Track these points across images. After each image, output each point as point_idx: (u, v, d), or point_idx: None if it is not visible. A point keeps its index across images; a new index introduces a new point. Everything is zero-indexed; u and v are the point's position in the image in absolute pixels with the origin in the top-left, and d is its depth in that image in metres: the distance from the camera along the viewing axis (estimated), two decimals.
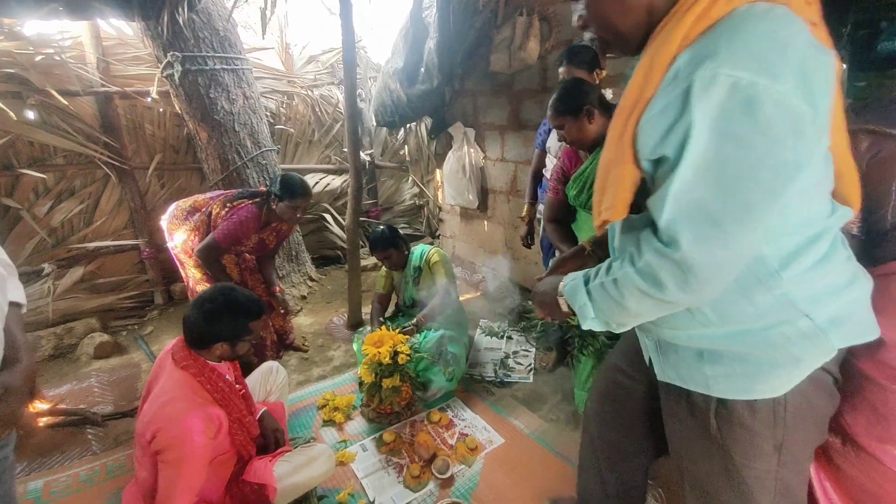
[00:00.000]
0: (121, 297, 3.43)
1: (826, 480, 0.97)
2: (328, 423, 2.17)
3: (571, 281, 0.87)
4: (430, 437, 1.98)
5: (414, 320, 2.34)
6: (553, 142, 2.24)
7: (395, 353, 2.04)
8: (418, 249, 2.54)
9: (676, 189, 0.65)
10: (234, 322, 1.38)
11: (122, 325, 3.35)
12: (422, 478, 1.77)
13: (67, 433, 2.16)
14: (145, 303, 3.59)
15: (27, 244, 3.04)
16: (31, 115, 2.94)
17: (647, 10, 0.72)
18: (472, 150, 3.59)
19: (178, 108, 3.28)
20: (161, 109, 3.41)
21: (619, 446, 1.27)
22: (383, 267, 2.58)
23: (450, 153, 3.73)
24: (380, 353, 2.03)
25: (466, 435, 2.02)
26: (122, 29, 3.27)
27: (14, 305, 0.93)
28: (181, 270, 2.45)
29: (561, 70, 2.03)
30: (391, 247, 2.40)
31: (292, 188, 2.21)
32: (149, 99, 3.29)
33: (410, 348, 2.10)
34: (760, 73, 0.59)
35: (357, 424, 2.16)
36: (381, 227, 2.46)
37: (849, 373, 0.89)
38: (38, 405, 2.21)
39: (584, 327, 0.84)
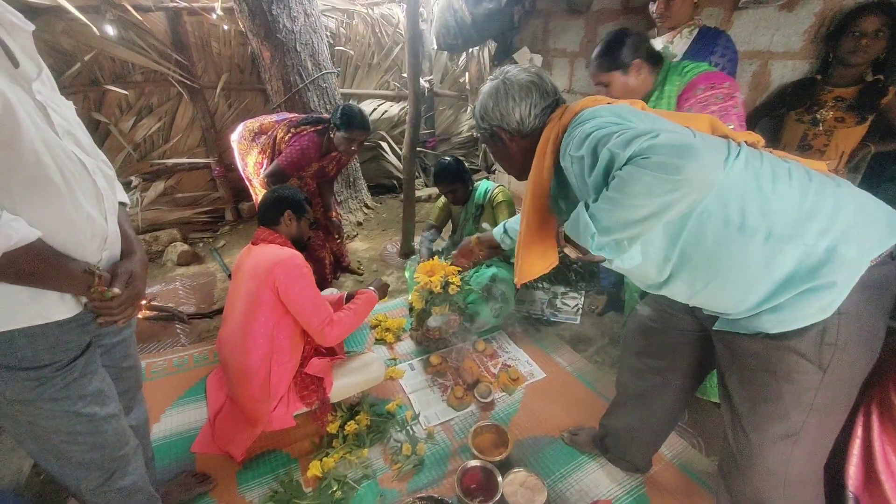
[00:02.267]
0: (197, 211, 3.73)
1: (890, 450, 0.99)
2: (379, 341, 2.33)
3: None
4: (474, 364, 2.09)
5: None
6: None
7: (447, 284, 2.10)
8: (482, 186, 2.44)
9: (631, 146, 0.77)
10: (296, 196, 1.73)
11: (198, 237, 3.68)
12: (464, 399, 1.90)
13: (160, 326, 2.50)
14: (217, 218, 3.89)
15: (117, 157, 3.32)
16: (110, 30, 3.05)
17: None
18: None
19: (241, 26, 3.27)
20: (226, 27, 3.42)
21: (655, 373, 1.28)
22: (440, 198, 2.56)
23: None
24: (431, 281, 2.09)
25: (509, 366, 2.10)
26: None
27: (121, 205, 1.04)
28: (250, 190, 2.60)
29: None
30: (457, 180, 2.32)
31: (351, 119, 2.19)
32: (214, 15, 3.30)
33: (462, 280, 2.14)
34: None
35: (406, 346, 2.31)
36: (448, 158, 2.34)
37: None
38: None
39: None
